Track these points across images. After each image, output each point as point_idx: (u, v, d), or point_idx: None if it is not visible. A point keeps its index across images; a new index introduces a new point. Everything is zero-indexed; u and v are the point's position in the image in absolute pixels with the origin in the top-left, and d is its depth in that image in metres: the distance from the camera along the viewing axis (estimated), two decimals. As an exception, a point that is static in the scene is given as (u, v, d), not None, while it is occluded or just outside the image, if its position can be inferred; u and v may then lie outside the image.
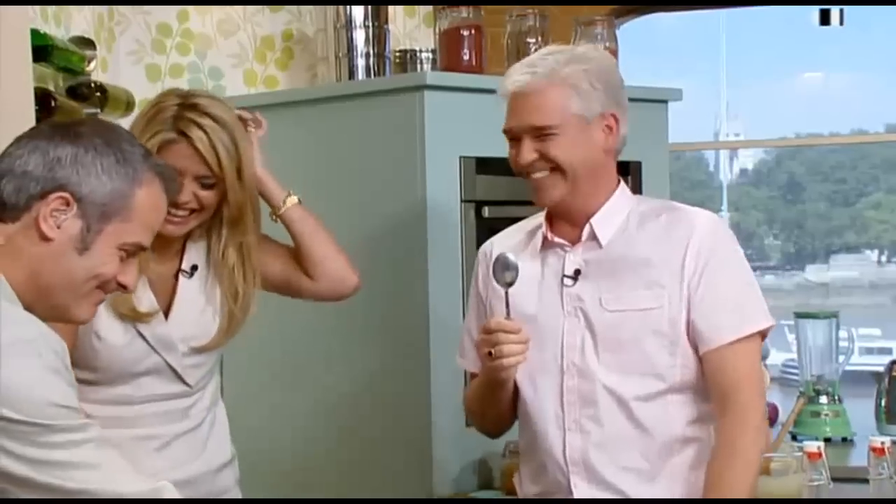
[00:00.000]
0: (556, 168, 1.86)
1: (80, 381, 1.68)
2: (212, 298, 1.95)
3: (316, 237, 2.04)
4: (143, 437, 1.89)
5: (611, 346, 1.86)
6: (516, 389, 1.93)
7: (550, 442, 1.89)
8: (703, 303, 1.83)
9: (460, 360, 2.09)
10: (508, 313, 1.84)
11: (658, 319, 1.84)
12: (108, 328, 1.83)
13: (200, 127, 1.83)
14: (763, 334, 1.89)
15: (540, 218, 1.98)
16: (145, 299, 1.88)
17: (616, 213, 1.91)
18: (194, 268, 1.94)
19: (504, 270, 1.85)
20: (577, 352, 1.87)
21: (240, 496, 2.11)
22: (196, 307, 1.94)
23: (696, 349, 1.85)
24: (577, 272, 1.89)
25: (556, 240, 1.92)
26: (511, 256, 1.85)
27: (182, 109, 1.84)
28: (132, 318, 1.86)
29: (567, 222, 1.93)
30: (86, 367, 1.82)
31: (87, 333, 1.81)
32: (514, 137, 1.90)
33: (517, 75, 1.88)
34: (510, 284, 1.84)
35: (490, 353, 1.82)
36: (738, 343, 1.83)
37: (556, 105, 1.85)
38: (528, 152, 1.87)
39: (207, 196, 1.87)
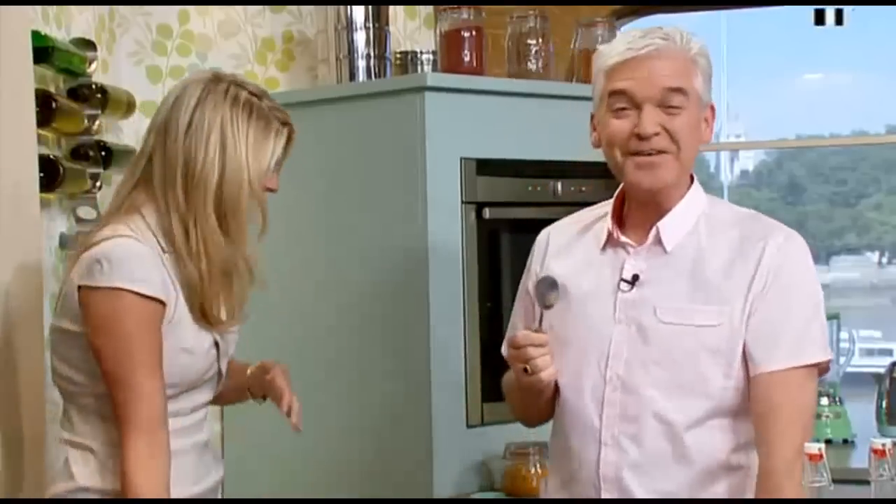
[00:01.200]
0: (672, 149, 1.75)
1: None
2: None
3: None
4: (201, 443, 1.86)
5: (662, 361, 1.75)
6: (556, 386, 1.83)
7: (585, 454, 1.78)
8: (761, 324, 1.73)
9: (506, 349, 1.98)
10: (540, 328, 1.76)
11: (716, 338, 1.73)
12: (194, 338, 1.78)
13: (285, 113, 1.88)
14: (821, 368, 1.78)
15: (605, 208, 1.87)
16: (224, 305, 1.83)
17: (686, 216, 1.79)
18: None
19: (548, 292, 1.77)
20: (623, 363, 1.76)
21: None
22: None
23: (748, 371, 1.74)
24: (636, 277, 1.78)
25: (623, 238, 1.81)
26: (556, 280, 1.77)
27: (260, 100, 1.82)
28: (213, 324, 1.81)
29: (642, 217, 1.81)
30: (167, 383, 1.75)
31: (173, 350, 1.74)
32: (624, 107, 1.75)
33: (644, 40, 1.74)
34: (549, 307, 1.76)
35: (525, 370, 1.74)
36: (788, 372, 1.72)
37: (689, 75, 1.75)
38: (653, 122, 1.73)
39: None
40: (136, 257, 1.70)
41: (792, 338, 1.73)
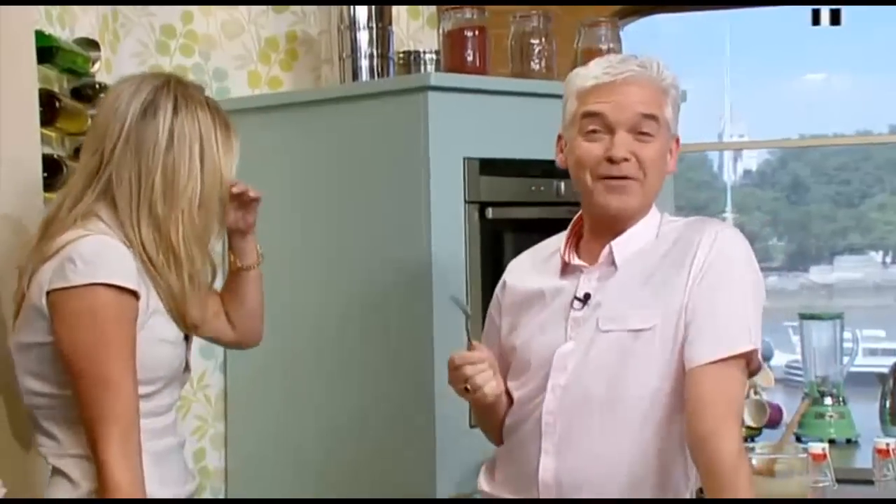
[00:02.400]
0: (639, 177, 1.78)
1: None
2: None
3: (261, 297, 2.02)
4: (182, 443, 1.86)
5: (599, 367, 1.78)
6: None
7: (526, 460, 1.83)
8: (691, 320, 1.74)
9: None
10: (470, 342, 1.81)
11: (648, 341, 1.76)
12: (167, 329, 1.76)
13: None
14: (751, 365, 1.77)
15: (560, 241, 1.92)
16: None
17: (640, 236, 1.84)
18: None
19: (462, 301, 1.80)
20: (566, 375, 1.80)
21: None
22: None
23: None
24: (587, 296, 1.82)
25: (575, 262, 1.86)
26: (460, 299, 1.80)
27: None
28: (189, 329, 1.80)
29: (597, 240, 1.85)
30: (146, 380, 1.73)
31: (148, 342, 1.71)
32: (597, 129, 1.79)
33: (621, 65, 1.79)
34: (468, 316, 1.82)
35: (466, 389, 1.79)
36: (715, 365, 1.70)
37: (661, 105, 1.80)
38: (625, 147, 1.77)
39: None
40: (109, 249, 1.68)
41: (718, 330, 1.73)
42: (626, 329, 1.77)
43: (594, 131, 1.80)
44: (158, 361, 1.74)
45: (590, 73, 1.82)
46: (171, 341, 1.77)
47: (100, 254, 1.67)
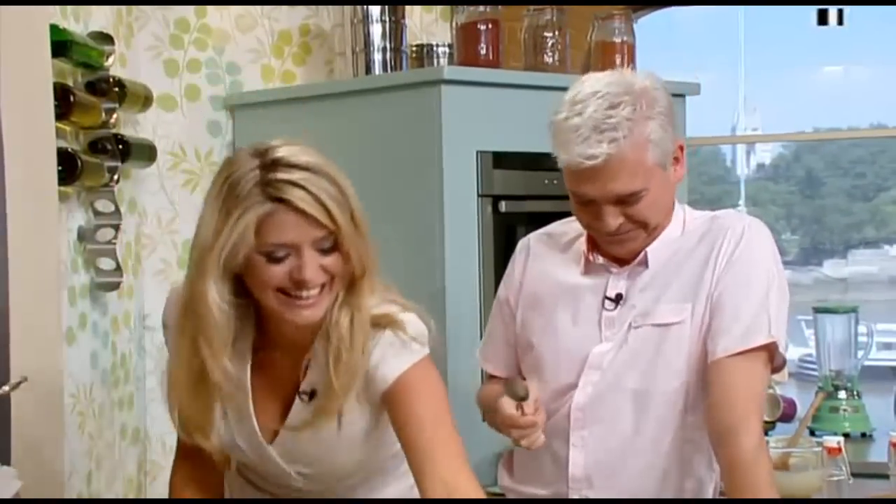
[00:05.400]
0: (639, 227, 1.79)
1: None
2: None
3: None
4: None
5: (632, 362, 1.79)
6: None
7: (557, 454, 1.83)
8: (714, 313, 1.75)
9: (483, 361, 2.05)
10: (520, 406, 1.70)
11: (678, 335, 1.77)
12: None
13: (296, 184, 1.51)
14: (774, 360, 1.78)
15: (573, 227, 1.91)
16: None
17: (668, 235, 1.84)
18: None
19: (516, 392, 1.70)
20: (598, 371, 1.81)
21: None
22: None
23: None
24: (619, 296, 1.83)
25: (601, 262, 1.86)
26: (523, 385, 1.70)
27: (266, 171, 1.52)
28: None
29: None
30: None
31: None
32: (585, 200, 1.78)
33: (591, 147, 1.70)
34: (524, 398, 1.70)
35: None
36: (737, 357, 1.72)
37: (640, 169, 1.73)
38: (614, 218, 1.76)
39: (332, 262, 1.57)
40: None
41: (741, 322, 1.74)
42: (656, 323, 1.79)
43: (581, 201, 1.79)
44: None
45: (565, 148, 1.74)
46: None
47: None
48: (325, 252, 1.55)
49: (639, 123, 1.71)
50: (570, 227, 1.94)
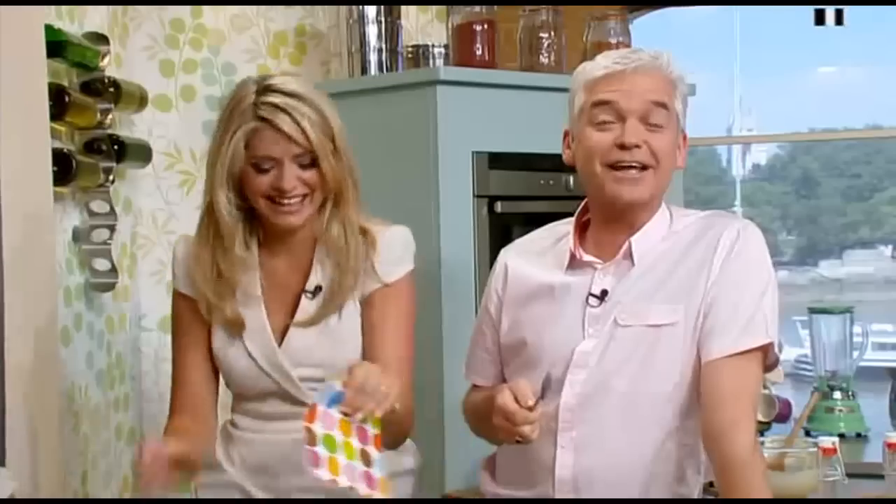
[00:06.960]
0: (652, 164, 1.78)
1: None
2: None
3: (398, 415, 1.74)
4: None
5: (622, 363, 1.77)
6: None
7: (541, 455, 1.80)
8: (709, 314, 1.74)
9: (468, 373, 2.01)
10: (537, 402, 1.67)
11: (670, 336, 1.76)
12: None
13: (279, 107, 1.77)
14: (768, 360, 1.77)
15: (565, 227, 1.90)
16: None
17: (656, 231, 1.83)
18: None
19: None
20: (583, 370, 1.78)
21: None
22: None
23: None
24: (605, 293, 1.81)
25: (586, 258, 1.84)
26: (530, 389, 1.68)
27: (259, 95, 1.79)
28: None
29: (608, 234, 1.84)
30: None
31: None
32: (607, 119, 1.78)
33: (634, 55, 1.80)
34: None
35: (518, 441, 1.70)
36: (731, 358, 1.71)
37: (671, 95, 1.80)
38: (637, 135, 1.75)
39: (311, 176, 1.81)
40: None
41: (736, 324, 1.73)
42: (646, 324, 1.77)
43: (604, 122, 1.79)
44: None
45: (598, 64, 1.81)
46: None
47: None
48: (304, 167, 1.81)
49: (671, 65, 1.81)
50: (550, 233, 1.93)
